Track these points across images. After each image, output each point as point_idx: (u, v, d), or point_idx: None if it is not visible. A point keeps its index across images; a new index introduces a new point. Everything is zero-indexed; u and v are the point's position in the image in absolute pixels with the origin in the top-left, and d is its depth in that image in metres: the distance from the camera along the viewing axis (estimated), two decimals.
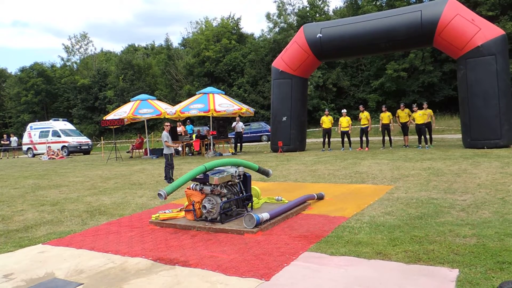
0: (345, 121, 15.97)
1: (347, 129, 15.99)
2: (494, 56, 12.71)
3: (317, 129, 27.04)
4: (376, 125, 19.13)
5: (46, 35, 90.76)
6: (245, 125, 28.90)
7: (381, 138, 16.39)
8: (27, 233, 5.73)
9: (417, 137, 15.29)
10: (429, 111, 14.82)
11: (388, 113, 15.34)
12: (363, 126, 15.77)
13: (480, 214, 5.22)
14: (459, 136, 15.50)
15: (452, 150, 13.22)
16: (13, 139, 29.51)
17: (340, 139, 16.67)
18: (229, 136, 20.60)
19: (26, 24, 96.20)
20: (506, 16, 25.38)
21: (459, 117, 14.86)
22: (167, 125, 10.58)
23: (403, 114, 15.13)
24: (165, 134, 10.30)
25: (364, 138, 15.84)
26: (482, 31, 12.91)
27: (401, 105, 15.49)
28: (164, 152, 10.31)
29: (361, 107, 16.17)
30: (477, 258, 3.66)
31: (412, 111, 15.10)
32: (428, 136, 14.94)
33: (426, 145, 14.71)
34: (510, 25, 24.26)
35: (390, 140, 15.64)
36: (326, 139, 16.48)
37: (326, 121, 16.37)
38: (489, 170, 8.53)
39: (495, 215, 5.09)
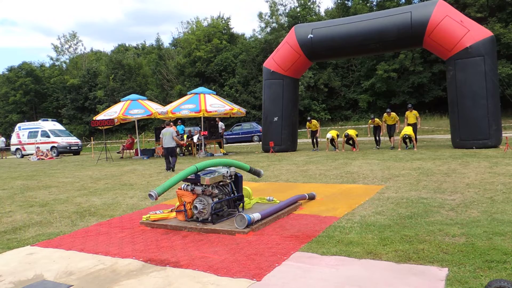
0: (332, 133, 16.15)
1: (334, 137, 16.21)
2: (482, 57, 12.87)
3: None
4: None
5: (35, 34, 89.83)
6: (236, 126, 28.97)
7: (372, 138, 16.51)
8: (15, 234, 5.65)
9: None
10: (414, 112, 14.95)
11: (393, 114, 15.29)
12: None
13: (469, 213, 5.27)
14: (449, 136, 15.65)
15: (441, 150, 13.36)
16: (1, 139, 29.08)
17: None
18: None
19: (14, 22, 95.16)
20: (494, 17, 25.72)
21: (449, 118, 14.99)
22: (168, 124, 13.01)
23: (389, 118, 15.24)
24: (173, 130, 12.64)
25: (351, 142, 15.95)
26: (471, 32, 13.07)
27: (388, 110, 15.42)
28: (173, 145, 12.37)
29: (348, 131, 15.83)
30: (466, 257, 3.70)
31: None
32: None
33: (413, 147, 14.76)
34: (498, 27, 24.61)
35: (379, 140, 15.75)
36: (314, 140, 16.86)
37: (312, 126, 16.84)
38: (478, 170, 8.63)
39: (484, 215, 5.15)
